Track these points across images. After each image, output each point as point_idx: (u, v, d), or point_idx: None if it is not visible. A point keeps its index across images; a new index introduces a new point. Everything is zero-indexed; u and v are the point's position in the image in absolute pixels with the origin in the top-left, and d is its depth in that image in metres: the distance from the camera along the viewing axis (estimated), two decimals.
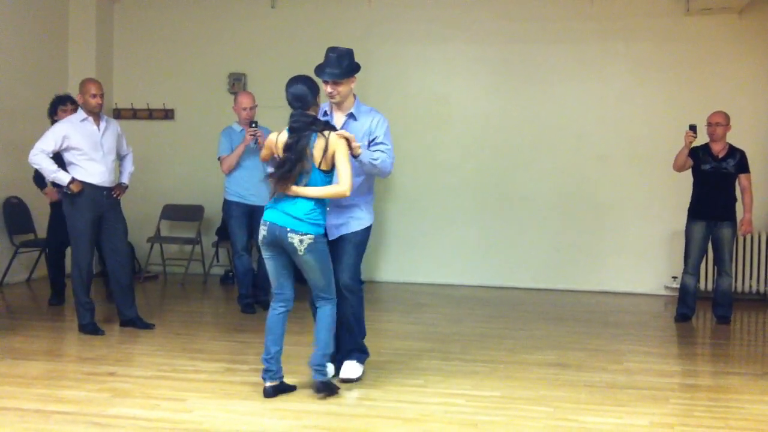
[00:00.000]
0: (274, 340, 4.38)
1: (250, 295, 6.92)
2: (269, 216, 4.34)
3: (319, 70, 4.65)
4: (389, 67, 8.79)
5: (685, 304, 6.79)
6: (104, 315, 6.36)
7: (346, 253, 4.67)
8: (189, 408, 4.16)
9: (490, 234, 8.63)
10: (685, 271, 6.84)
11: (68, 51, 8.95)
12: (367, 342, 5.02)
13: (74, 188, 5.76)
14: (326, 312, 4.43)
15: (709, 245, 6.82)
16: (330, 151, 4.28)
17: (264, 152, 4.54)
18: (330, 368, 4.62)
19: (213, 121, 8.72)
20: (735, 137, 6.85)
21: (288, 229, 4.25)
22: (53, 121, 6.59)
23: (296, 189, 4.28)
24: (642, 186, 8.28)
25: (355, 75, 4.74)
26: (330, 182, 4.35)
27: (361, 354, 4.85)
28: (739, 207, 6.72)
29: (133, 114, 9.11)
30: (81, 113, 5.92)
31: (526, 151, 8.55)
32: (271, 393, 4.37)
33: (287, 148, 4.28)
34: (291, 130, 4.31)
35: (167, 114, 9.22)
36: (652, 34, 8.25)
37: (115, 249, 6.04)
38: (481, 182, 8.65)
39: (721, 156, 6.66)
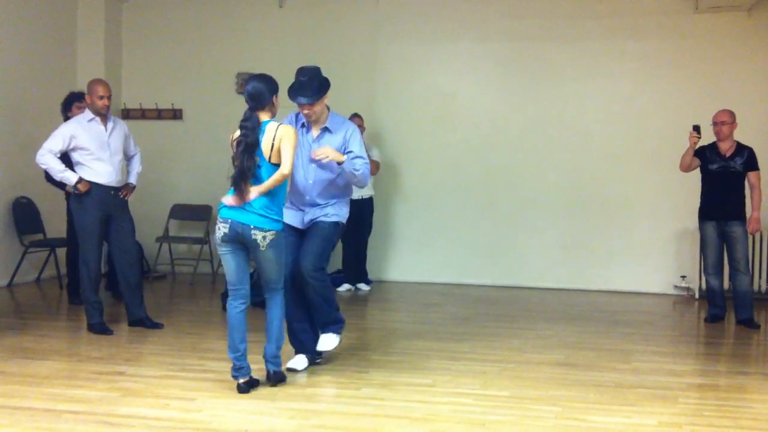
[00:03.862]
0: (242, 338, 4.50)
1: None
2: (229, 214, 4.39)
3: (292, 94, 4.74)
4: (396, 66, 8.80)
5: (715, 304, 6.77)
6: (113, 315, 6.38)
7: (310, 240, 4.86)
8: (198, 407, 4.17)
9: (498, 233, 8.62)
10: (706, 273, 6.83)
11: (77, 51, 8.98)
12: (375, 341, 5.08)
13: (82, 188, 5.78)
14: (277, 303, 4.56)
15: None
16: (277, 144, 4.36)
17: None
18: (301, 360, 4.93)
19: (221, 121, 8.74)
20: (744, 135, 6.83)
21: (252, 227, 4.35)
22: (66, 118, 6.62)
23: (252, 190, 4.35)
24: (650, 184, 8.26)
25: (327, 93, 4.81)
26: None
27: (335, 325, 4.99)
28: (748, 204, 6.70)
29: (142, 114, 9.14)
30: (88, 113, 5.94)
31: (534, 150, 8.54)
32: (245, 389, 4.44)
33: (238, 144, 4.37)
34: (242, 128, 4.39)
35: (176, 114, 9.25)
36: (661, 32, 8.22)
37: (124, 249, 6.06)
38: (488, 181, 8.64)
39: (728, 155, 6.63)
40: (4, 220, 7.97)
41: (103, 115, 5.96)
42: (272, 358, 4.55)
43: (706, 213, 6.73)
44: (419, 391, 4.53)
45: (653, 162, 8.17)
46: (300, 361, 4.94)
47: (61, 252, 8.20)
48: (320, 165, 4.83)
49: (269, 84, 4.47)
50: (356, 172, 4.80)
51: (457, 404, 4.29)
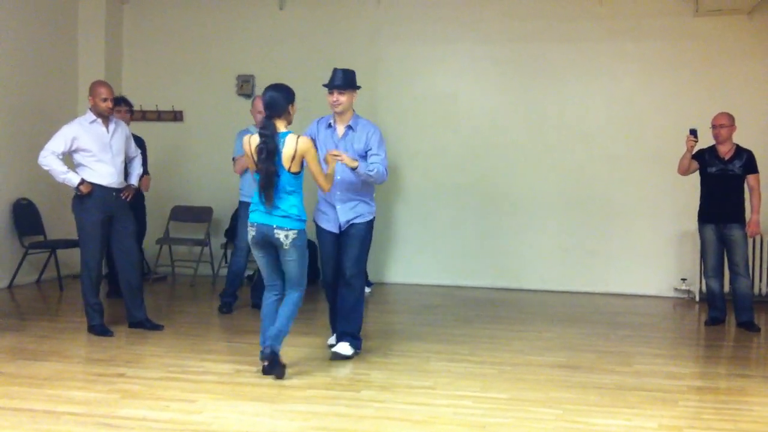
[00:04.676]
0: (272, 324, 4.79)
1: (233, 295, 7.02)
2: (256, 218, 4.75)
3: (328, 83, 5.29)
4: (398, 67, 8.80)
5: (715, 307, 6.77)
6: (113, 316, 6.38)
7: (351, 246, 5.37)
8: (198, 409, 4.17)
9: (498, 235, 8.62)
10: (706, 275, 6.84)
11: (77, 52, 8.99)
12: (376, 342, 5.13)
13: (84, 189, 5.79)
14: (293, 298, 4.83)
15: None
16: (298, 156, 4.67)
17: (246, 160, 4.91)
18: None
19: (222, 123, 8.77)
20: (744, 138, 6.83)
21: (274, 227, 4.68)
22: None
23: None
24: (650, 186, 8.27)
25: (356, 91, 5.38)
26: (299, 183, 4.76)
27: (354, 340, 5.40)
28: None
29: (142, 116, 9.13)
30: (90, 115, 5.94)
31: (534, 152, 8.55)
32: (269, 371, 4.74)
33: (259, 151, 4.65)
34: (261, 135, 4.68)
35: (176, 116, 9.25)
36: (662, 34, 8.23)
37: (125, 250, 6.07)
38: (489, 182, 8.64)
39: (727, 158, 6.62)
40: (4, 221, 7.97)
41: (106, 117, 5.97)
42: (273, 338, 4.74)
43: (705, 216, 6.73)
44: (420, 393, 4.53)
45: (654, 164, 8.17)
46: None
47: (62, 253, 8.22)
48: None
49: (285, 93, 4.76)
50: (370, 173, 5.19)
51: (458, 407, 4.29)
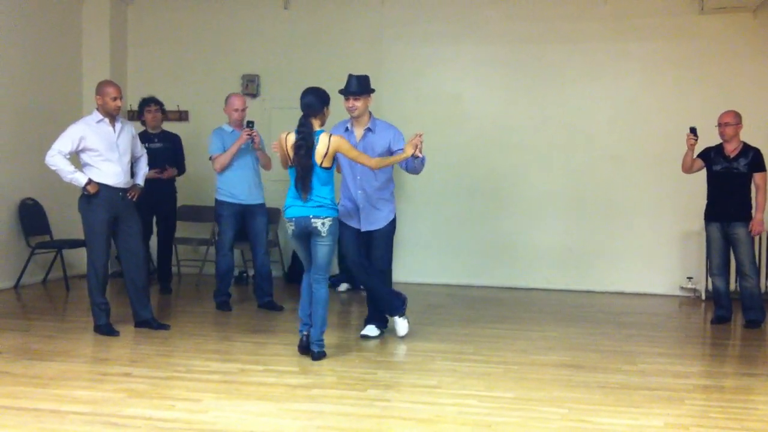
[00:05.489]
0: (310, 302, 5.26)
1: (226, 293, 7.05)
2: (293, 213, 5.15)
3: (343, 90, 5.64)
4: (402, 68, 8.81)
5: (720, 305, 6.76)
6: (119, 316, 6.39)
7: (378, 246, 5.83)
8: (204, 408, 4.18)
9: (502, 234, 8.62)
10: (710, 273, 6.84)
11: (82, 53, 9.02)
12: (380, 342, 5.12)
13: (91, 189, 5.79)
14: (322, 293, 5.22)
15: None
16: (331, 151, 5.08)
17: (281, 158, 5.29)
18: (372, 329, 5.94)
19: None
20: (751, 137, 6.81)
21: (311, 216, 5.10)
22: (143, 122, 6.89)
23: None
24: (655, 186, 8.26)
25: (371, 96, 5.71)
26: (331, 176, 5.17)
27: (380, 323, 6.00)
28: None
29: None
30: (97, 114, 5.95)
31: (538, 152, 8.54)
32: (306, 343, 5.23)
33: (297, 147, 5.05)
34: (299, 132, 5.10)
35: (181, 115, 9.27)
36: (666, 33, 8.21)
37: (130, 250, 6.07)
38: (493, 182, 8.64)
39: (733, 156, 6.61)
40: (10, 221, 8.00)
41: (113, 117, 5.97)
42: (316, 341, 5.21)
43: (710, 214, 6.73)
44: (424, 392, 4.54)
45: (658, 163, 8.16)
46: (372, 330, 5.92)
47: (68, 253, 8.24)
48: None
49: (321, 97, 5.20)
50: (424, 161, 5.66)
51: (463, 405, 4.29)
